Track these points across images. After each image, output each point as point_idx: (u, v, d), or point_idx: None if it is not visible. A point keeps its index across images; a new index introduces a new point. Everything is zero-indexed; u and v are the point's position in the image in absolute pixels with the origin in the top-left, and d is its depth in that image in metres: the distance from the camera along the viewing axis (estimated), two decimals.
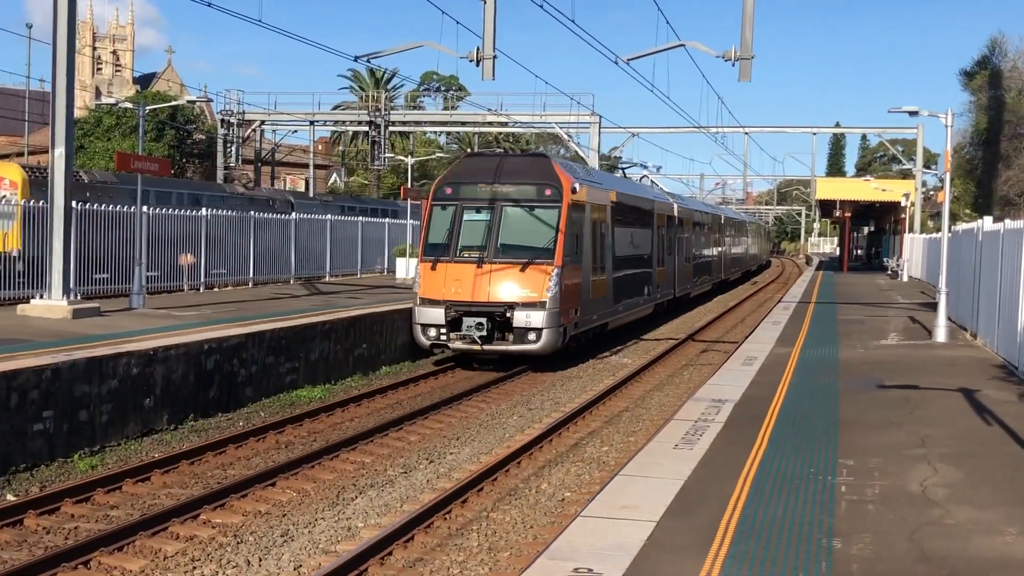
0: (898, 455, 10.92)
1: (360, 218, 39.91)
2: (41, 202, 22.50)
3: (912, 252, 51.00)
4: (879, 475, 10.02)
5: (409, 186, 50.16)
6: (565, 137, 61.88)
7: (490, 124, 66.31)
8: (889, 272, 52.68)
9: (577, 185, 22.80)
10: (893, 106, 24.76)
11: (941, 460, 10.71)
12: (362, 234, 38.09)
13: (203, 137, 61.82)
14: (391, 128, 65.26)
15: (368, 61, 27.05)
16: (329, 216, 36.13)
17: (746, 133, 65.51)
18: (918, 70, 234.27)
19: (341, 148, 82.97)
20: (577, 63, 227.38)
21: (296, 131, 68.74)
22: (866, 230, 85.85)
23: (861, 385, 15.76)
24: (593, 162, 58.52)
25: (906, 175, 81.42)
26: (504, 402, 19.35)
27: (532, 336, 21.48)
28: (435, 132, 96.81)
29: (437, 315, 21.78)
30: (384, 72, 74.27)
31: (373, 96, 61.39)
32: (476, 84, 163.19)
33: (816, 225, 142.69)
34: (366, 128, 62.06)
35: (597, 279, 24.77)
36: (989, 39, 61.98)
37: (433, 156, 62.96)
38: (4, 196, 25.11)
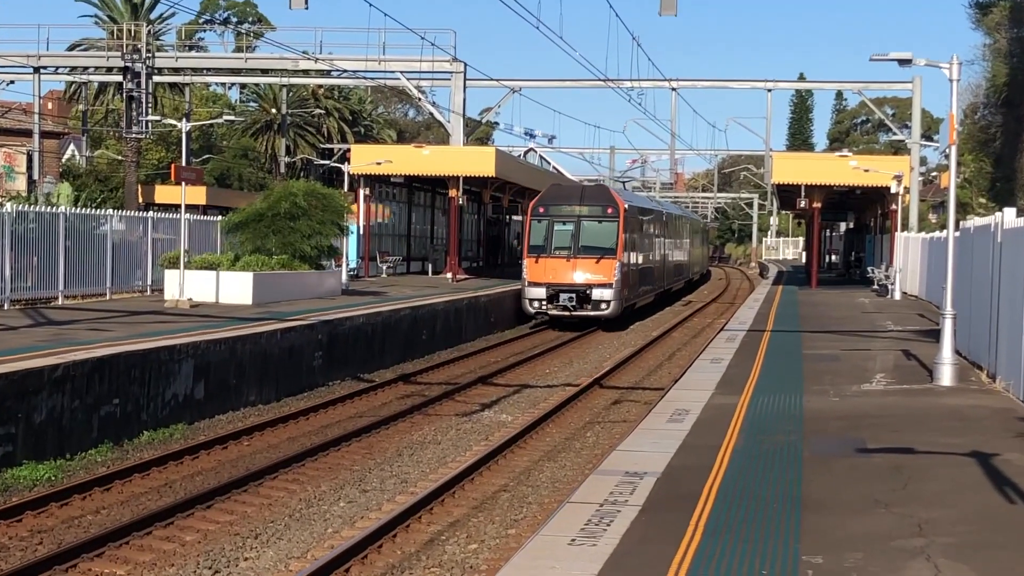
0: (885, 548, 11.16)
1: (111, 211, 39.14)
2: None
3: (907, 258, 52.40)
4: None
5: (184, 163, 49.43)
6: (415, 94, 61.95)
7: (305, 73, 65.90)
8: (875, 287, 54.06)
9: (626, 205, 47.25)
10: (877, 52, 25.44)
11: (945, 554, 10.98)
12: (113, 236, 37.37)
13: None
14: (157, 78, 64.32)
15: None
16: (62, 209, 35.41)
17: (673, 89, 66.63)
18: (914, 4, 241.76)
19: (82, 107, 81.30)
20: None
21: (13, 82, 67.23)
22: (843, 227, 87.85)
23: (834, 449, 16.09)
24: (457, 128, 58.75)
25: (898, 149, 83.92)
26: (326, 481, 19.24)
27: (604, 306, 44.80)
28: (223, 84, 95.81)
29: (540, 293, 44.94)
30: None
31: (129, 31, 60.43)
32: (283, 15, 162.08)
33: (773, 220, 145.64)
34: (119, 78, 61.02)
35: (633, 270, 48.21)
36: None
37: (220, 120, 62.19)
38: None
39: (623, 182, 66.30)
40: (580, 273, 44.81)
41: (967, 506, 12.86)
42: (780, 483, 13.88)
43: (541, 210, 46.32)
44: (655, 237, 56.13)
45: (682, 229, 71.17)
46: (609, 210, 45.82)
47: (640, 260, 50.49)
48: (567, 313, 44.79)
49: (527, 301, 45.32)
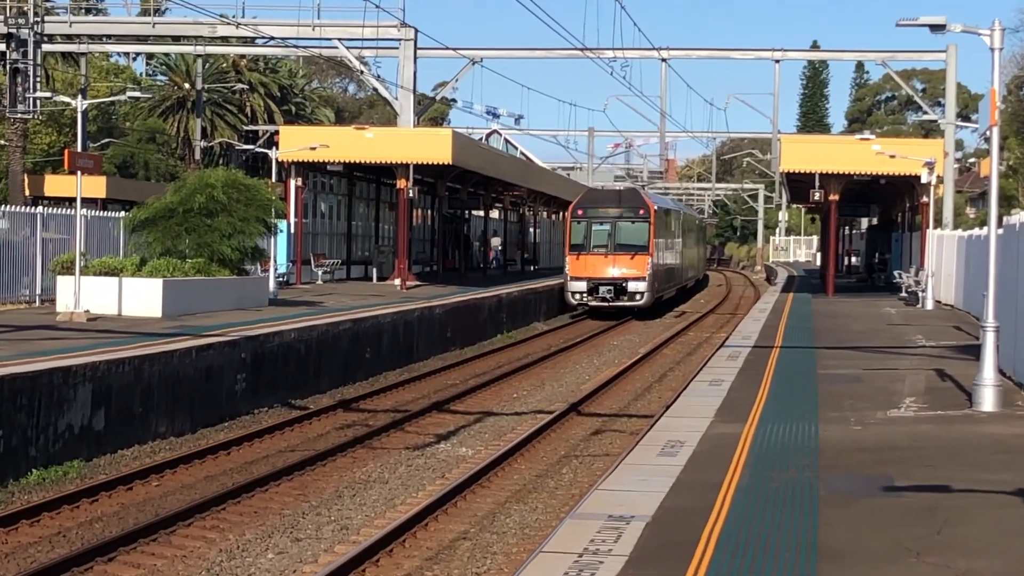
0: None
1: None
2: None
3: (940, 260, 52.57)
4: None
5: (80, 148, 49.21)
6: (356, 66, 61.97)
7: (224, 41, 65.77)
8: (903, 294, 54.24)
9: (656, 207, 61.14)
10: (904, 17, 25.48)
11: None
12: None
13: None
14: (47, 46, 64.05)
15: None
16: None
17: (663, 60, 66.87)
18: None
19: None
20: None
21: None
22: (864, 223, 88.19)
23: (856, 487, 16.12)
24: (406, 106, 58.84)
25: (929, 131, 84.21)
26: (251, 528, 19.16)
27: (639, 296, 58.81)
28: (126, 55, 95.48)
29: (582, 286, 58.96)
30: None
31: None
32: None
33: (782, 216, 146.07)
34: (1, 46, 60.74)
35: (660, 266, 61.99)
36: None
37: (123, 97, 61.88)
38: None
39: (643, 185, 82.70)
40: (617, 268, 58.76)
41: (1014, 554, 12.90)
42: (792, 528, 13.91)
43: (580, 212, 60.60)
44: (676, 236, 70.51)
45: (691, 228, 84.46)
46: (641, 211, 59.81)
47: (666, 257, 65.00)
48: (606, 304, 58.90)
49: (569, 293, 59.85)
